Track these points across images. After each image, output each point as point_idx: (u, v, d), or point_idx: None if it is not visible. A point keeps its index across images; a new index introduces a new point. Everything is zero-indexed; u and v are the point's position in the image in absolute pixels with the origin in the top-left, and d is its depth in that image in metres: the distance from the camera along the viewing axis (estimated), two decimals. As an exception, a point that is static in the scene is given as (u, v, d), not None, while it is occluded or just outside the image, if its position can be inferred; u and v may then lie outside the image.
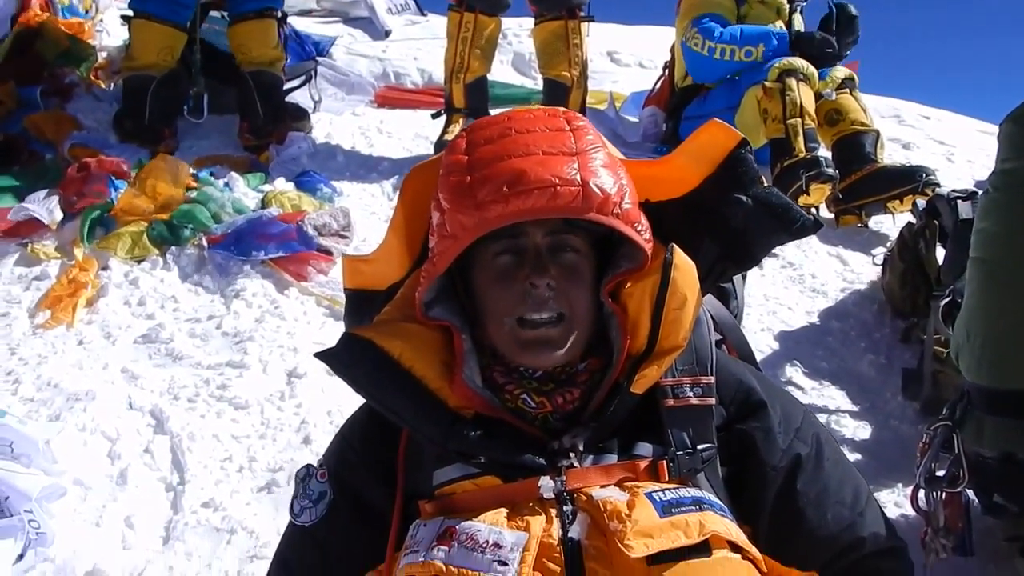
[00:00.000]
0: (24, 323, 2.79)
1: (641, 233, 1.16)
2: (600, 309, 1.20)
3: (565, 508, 1.06)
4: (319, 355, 1.21)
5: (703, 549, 1.03)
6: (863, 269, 3.43)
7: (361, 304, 1.36)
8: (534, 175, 1.09)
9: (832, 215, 3.84)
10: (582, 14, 4.20)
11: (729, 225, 1.26)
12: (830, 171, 3.48)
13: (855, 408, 2.66)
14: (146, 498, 2.15)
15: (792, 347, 2.89)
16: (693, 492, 1.09)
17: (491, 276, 1.17)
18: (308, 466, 1.28)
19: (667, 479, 1.11)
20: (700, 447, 1.15)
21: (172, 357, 2.68)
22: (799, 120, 3.59)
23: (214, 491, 2.17)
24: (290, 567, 1.27)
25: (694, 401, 1.17)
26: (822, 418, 2.38)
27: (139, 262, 3.10)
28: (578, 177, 1.10)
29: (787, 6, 4.01)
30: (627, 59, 5.92)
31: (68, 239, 3.18)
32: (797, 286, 3.34)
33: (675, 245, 1.17)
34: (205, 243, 3.15)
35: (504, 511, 1.06)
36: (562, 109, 1.23)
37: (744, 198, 1.25)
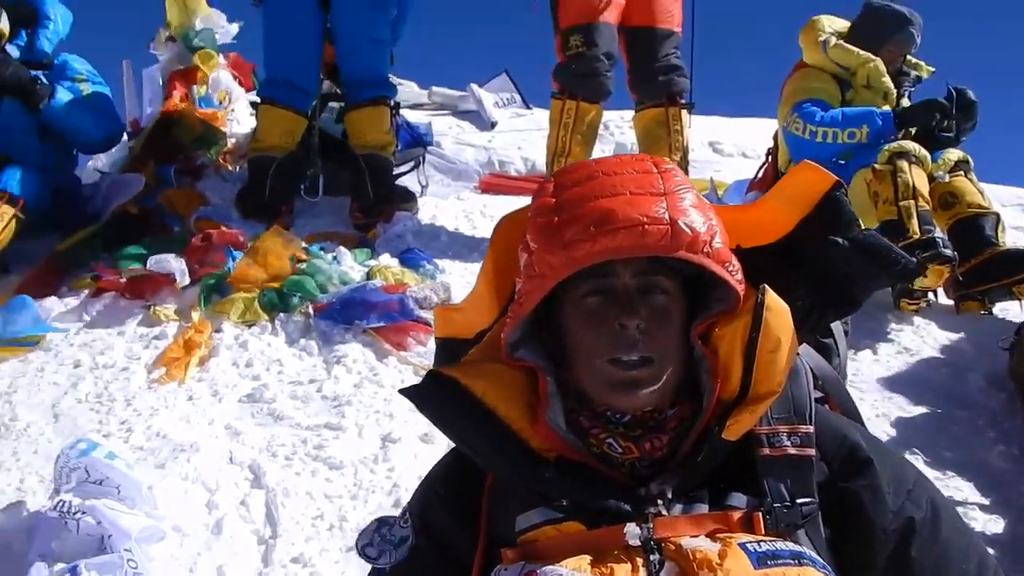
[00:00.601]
0: (141, 378, 2.93)
1: (733, 274, 1.12)
2: (690, 353, 1.16)
3: (652, 557, 1.00)
4: (403, 391, 1.20)
5: None
6: (987, 357, 3.22)
7: (450, 352, 1.34)
8: (622, 214, 1.08)
9: (952, 301, 3.64)
10: (683, 101, 4.26)
11: (825, 268, 1.20)
12: (948, 252, 3.31)
13: (985, 501, 2.47)
14: (239, 549, 2.18)
15: (911, 435, 2.72)
16: (792, 546, 1.01)
17: (580, 317, 1.14)
18: (384, 517, 1.25)
19: (763, 533, 1.03)
20: (800, 501, 1.07)
21: (273, 416, 2.75)
22: (912, 202, 3.45)
23: (304, 547, 2.19)
24: None
25: (792, 451, 1.10)
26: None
27: (249, 326, 3.23)
28: (666, 216, 1.08)
29: (895, 91, 3.92)
30: (729, 149, 5.92)
31: (187, 303, 3.37)
32: (916, 372, 3.15)
33: (767, 286, 1.12)
34: (311, 311, 3.27)
35: (588, 558, 1.01)
36: (649, 156, 1.22)
37: (841, 240, 1.18)
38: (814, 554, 1.03)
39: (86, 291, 3.50)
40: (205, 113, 4.96)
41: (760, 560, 0.97)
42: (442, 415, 1.17)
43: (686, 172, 4.14)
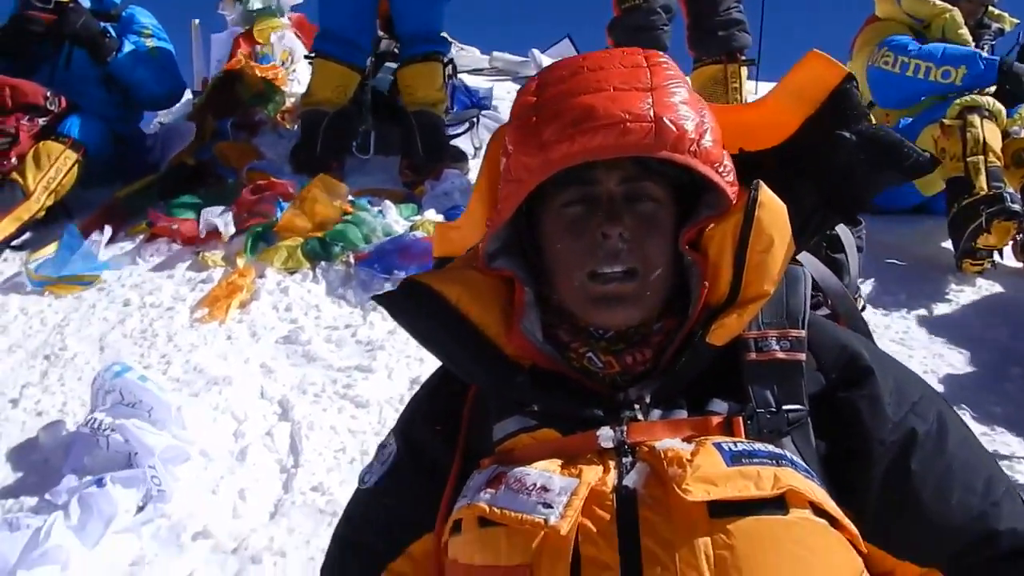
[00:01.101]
0: (184, 317, 3.01)
1: (723, 175, 1.03)
2: (680, 264, 1.07)
3: (624, 460, 0.95)
4: (375, 297, 1.16)
5: (778, 506, 0.89)
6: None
7: None
8: (603, 111, 0.99)
9: (1020, 263, 3.43)
10: (742, 58, 4.11)
11: (830, 164, 1.11)
12: (1016, 207, 3.11)
13: (1034, 457, 2.32)
14: (261, 476, 2.22)
15: (959, 391, 2.58)
16: (771, 448, 0.94)
17: (560, 227, 1.06)
18: (382, 441, 1.24)
19: (743, 438, 0.97)
20: (786, 407, 0.99)
21: (307, 358, 2.79)
22: (981, 157, 3.25)
23: (324, 477, 2.21)
24: (353, 523, 1.22)
25: (780, 355, 1.02)
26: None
27: (291, 273, 3.28)
28: (651, 112, 0.99)
29: (973, 44, 3.69)
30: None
31: (234, 250, 3.43)
32: (971, 331, 2.99)
33: (760, 182, 1.04)
34: (352, 260, 3.30)
35: (559, 461, 0.97)
36: (641, 49, 1.11)
37: (849, 135, 1.10)
38: (798, 459, 0.96)
39: (141, 236, 3.61)
40: (265, 69, 5.03)
41: (734, 458, 0.91)
42: (414, 321, 1.12)
43: None
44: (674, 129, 0.99)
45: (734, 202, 1.05)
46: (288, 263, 3.30)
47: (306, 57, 4.45)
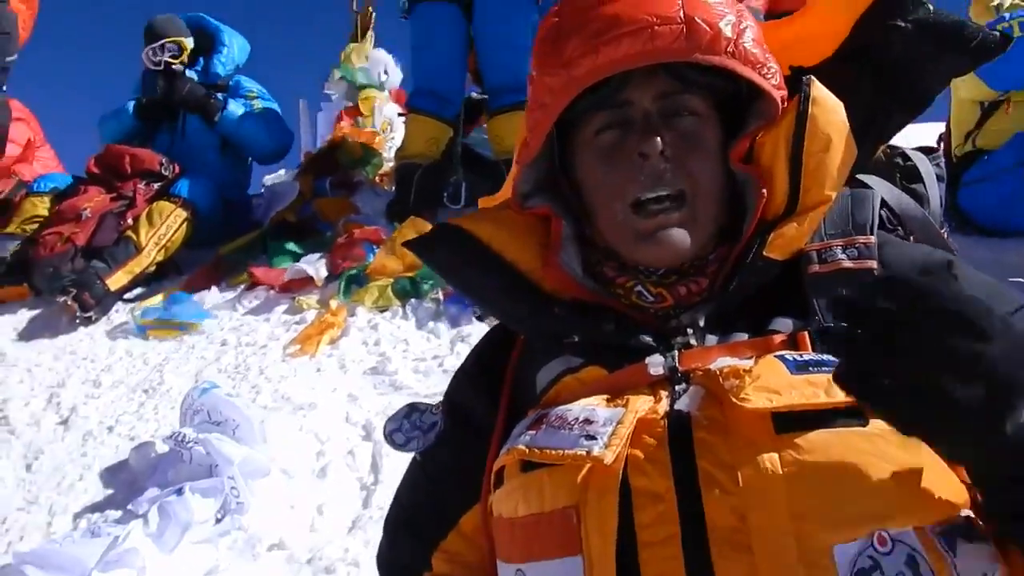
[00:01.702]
0: (277, 353, 3.04)
1: (768, 78, 0.93)
2: (732, 184, 0.97)
3: (678, 388, 0.84)
4: (406, 243, 1.08)
5: (855, 417, 0.75)
6: None
7: None
8: (627, 17, 0.90)
9: None
10: None
11: (887, 57, 1.01)
12: None
13: None
14: (340, 492, 2.16)
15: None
16: None
17: (594, 156, 0.96)
18: (415, 403, 1.13)
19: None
20: None
21: (394, 387, 2.75)
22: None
23: (404, 495, 2.12)
24: (401, 503, 1.13)
25: (847, 264, 0.90)
26: None
27: (382, 311, 3.29)
28: (681, 13, 0.90)
29: None
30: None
31: (328, 294, 3.49)
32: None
33: (812, 77, 0.93)
34: (442, 296, 3.28)
35: (605, 396, 0.86)
36: None
37: (904, 23, 1.00)
38: None
39: (242, 286, 3.73)
40: (365, 134, 5.24)
41: (800, 367, 0.78)
42: (445, 261, 1.04)
43: None
44: (708, 29, 0.89)
45: (783, 107, 0.94)
46: (379, 302, 3.31)
47: (400, 114, 4.60)
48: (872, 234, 0.92)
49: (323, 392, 2.70)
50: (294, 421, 2.45)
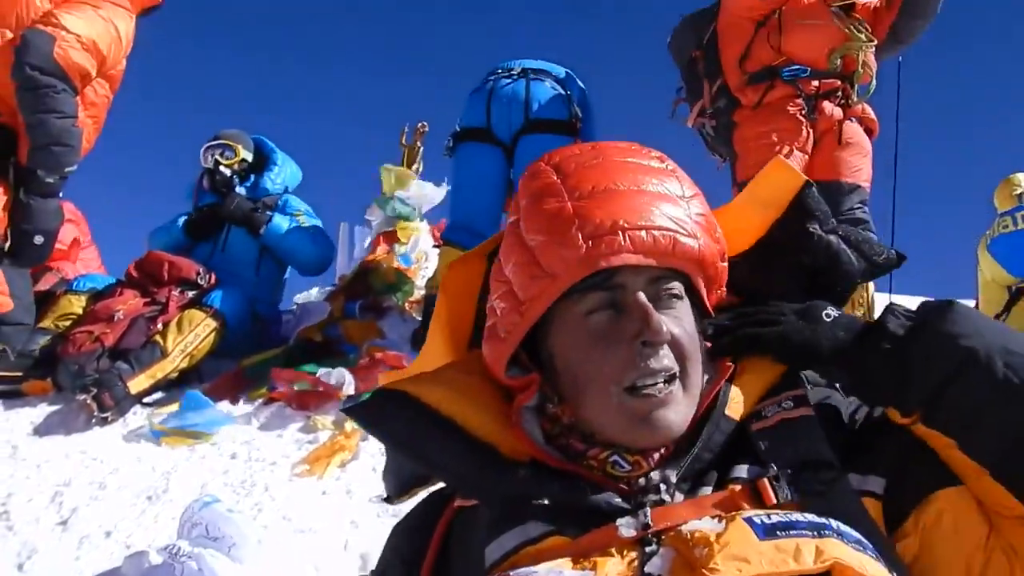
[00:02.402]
0: (285, 471, 3.01)
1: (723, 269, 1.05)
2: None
3: (648, 549, 0.82)
4: (344, 409, 1.06)
5: None
6: None
7: None
8: (651, 214, 0.93)
9: None
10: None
11: (804, 263, 1.10)
12: None
13: None
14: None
15: None
16: (812, 518, 0.81)
17: (584, 338, 0.94)
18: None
19: (774, 504, 0.85)
20: (808, 459, 0.89)
21: (397, 517, 2.66)
22: None
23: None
24: None
25: (787, 415, 0.95)
26: None
27: (396, 438, 3.26)
28: (692, 227, 0.95)
29: None
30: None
31: (344, 416, 3.47)
32: None
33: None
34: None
35: (570, 559, 0.83)
36: (653, 150, 1.05)
37: (817, 233, 1.10)
38: (846, 528, 0.81)
39: (260, 400, 3.74)
40: (401, 266, 5.37)
41: (768, 531, 0.78)
42: (391, 429, 0.99)
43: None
44: (712, 245, 0.99)
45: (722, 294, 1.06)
46: (393, 428, 3.30)
47: (434, 246, 4.72)
48: (801, 387, 0.99)
49: (326, 516, 2.66)
50: (293, 544, 2.39)
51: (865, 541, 0.80)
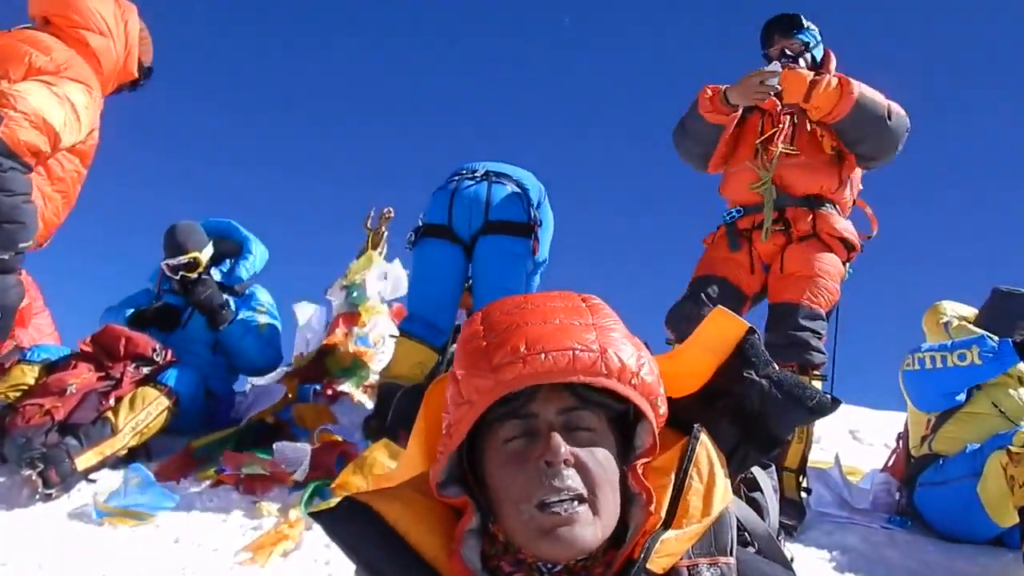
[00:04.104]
0: (227, 558, 3.03)
1: (659, 407, 1.12)
2: (625, 496, 1.12)
3: None
4: (312, 514, 1.20)
5: None
6: None
7: None
8: (552, 339, 1.06)
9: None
10: (815, 373, 4.09)
11: (744, 406, 1.21)
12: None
13: None
14: None
15: None
16: None
17: (503, 461, 1.09)
18: None
19: None
20: None
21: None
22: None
23: None
24: None
25: None
26: None
27: (339, 529, 3.30)
28: (596, 345, 1.07)
29: None
30: (870, 439, 5.65)
31: (290, 503, 3.51)
32: None
33: (701, 425, 1.14)
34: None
35: None
36: (575, 293, 1.21)
37: (757, 378, 1.21)
38: None
39: (207, 482, 3.76)
40: (358, 349, 5.46)
41: None
42: (349, 539, 1.14)
43: (808, 440, 3.90)
44: (617, 362, 1.07)
45: (656, 435, 1.13)
46: (337, 519, 3.34)
47: (391, 336, 4.83)
48: (732, 555, 1.09)
49: (264, 609, 2.68)
50: (229, 638, 2.42)
51: None
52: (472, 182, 4.46)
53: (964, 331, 3.83)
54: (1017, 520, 3.29)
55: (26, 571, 2.89)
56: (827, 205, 4.02)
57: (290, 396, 4.58)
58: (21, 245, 3.64)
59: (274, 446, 3.72)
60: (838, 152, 4.02)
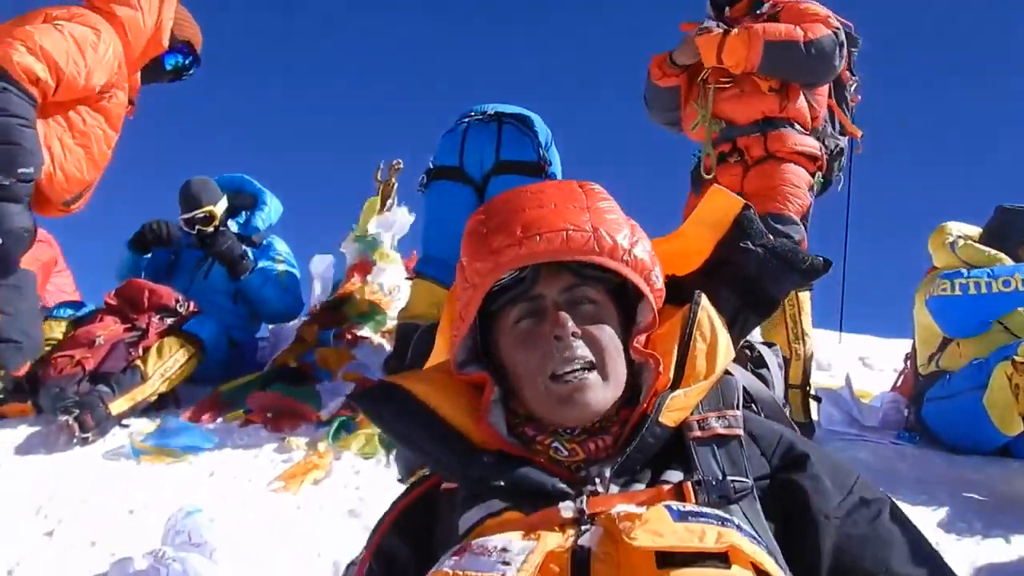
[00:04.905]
0: (261, 487, 3.18)
1: (654, 283, 1.20)
2: (631, 365, 1.21)
3: (583, 528, 1.03)
4: (350, 395, 1.34)
5: (721, 561, 0.95)
6: None
7: None
8: (546, 222, 1.16)
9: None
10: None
11: (743, 274, 1.31)
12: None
13: None
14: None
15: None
16: (720, 512, 1.02)
17: (515, 342, 1.20)
18: (353, 559, 1.33)
19: (694, 503, 1.06)
20: (730, 477, 1.09)
21: (367, 530, 2.84)
22: (1057, 392, 3.22)
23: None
24: None
25: (720, 430, 1.15)
26: None
27: (367, 458, 3.44)
28: (589, 225, 1.16)
29: None
30: (880, 365, 5.74)
31: (318, 438, 3.65)
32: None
33: (702, 292, 1.22)
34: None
35: (521, 532, 1.04)
36: (576, 180, 1.29)
37: (753, 247, 1.31)
38: (747, 527, 1.03)
39: (236, 422, 3.90)
40: (374, 297, 5.55)
41: (681, 516, 0.99)
42: (385, 415, 1.24)
43: (806, 358, 3.97)
44: (609, 240, 1.16)
45: (656, 309, 1.21)
46: (365, 449, 3.47)
47: (407, 278, 4.93)
48: (738, 409, 1.18)
49: (300, 528, 2.82)
50: (270, 551, 2.56)
51: (761, 539, 1.02)
52: (482, 123, 4.51)
53: (970, 250, 3.88)
54: (1022, 428, 3.40)
55: (71, 504, 3.03)
56: (781, 125, 4.05)
57: (309, 342, 4.69)
58: (21, 170, 3.51)
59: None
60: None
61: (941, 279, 3.81)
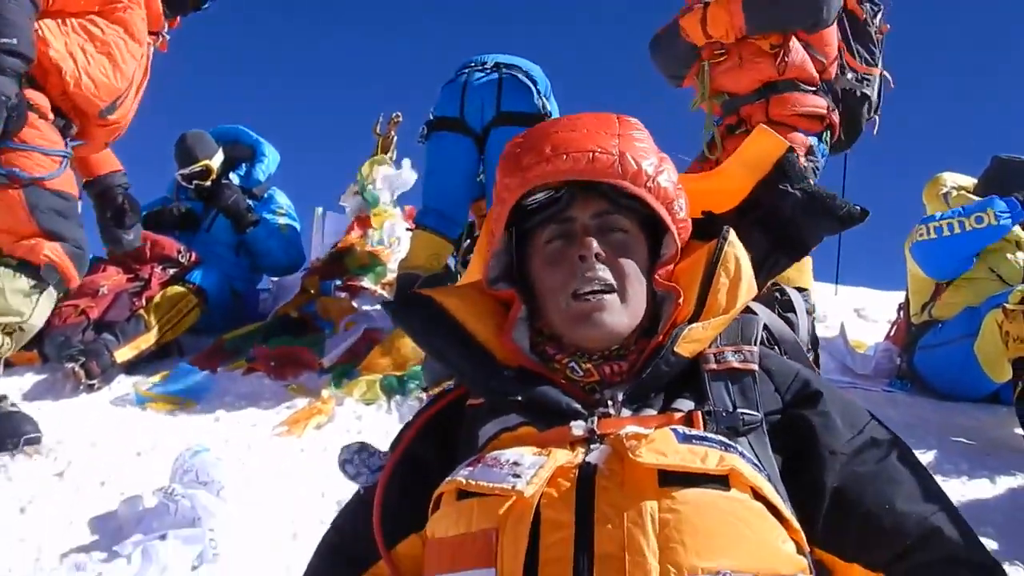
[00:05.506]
0: (266, 431, 3.25)
1: (676, 212, 1.23)
2: (654, 296, 1.24)
3: (592, 446, 1.06)
4: (384, 304, 1.37)
5: (722, 483, 0.98)
6: None
7: None
8: (575, 143, 1.19)
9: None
10: None
11: (778, 216, 1.32)
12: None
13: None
14: (309, 553, 2.29)
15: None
16: (724, 439, 1.05)
17: (544, 260, 1.24)
18: (367, 444, 1.33)
19: (702, 430, 1.08)
20: (741, 410, 1.12)
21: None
22: (1045, 337, 3.27)
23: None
24: (339, 529, 1.33)
25: (736, 364, 1.17)
26: None
27: (368, 404, 3.51)
28: (616, 149, 1.19)
29: None
30: (875, 316, 5.79)
31: (321, 384, 3.72)
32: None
33: (730, 228, 1.23)
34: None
35: (533, 448, 1.08)
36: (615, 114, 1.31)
37: (792, 189, 1.32)
38: (751, 456, 1.06)
39: (239, 371, 3.96)
40: (375, 249, 5.59)
41: (686, 439, 1.02)
42: (416, 326, 1.28)
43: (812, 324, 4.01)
44: (634, 164, 1.19)
45: (678, 241, 1.24)
46: (367, 395, 3.54)
47: (408, 229, 4.96)
48: (755, 343, 1.20)
49: (304, 468, 2.89)
50: (275, 489, 2.63)
51: (761, 467, 1.05)
52: (483, 74, 4.49)
53: (963, 200, 3.91)
54: (1011, 375, 3.46)
55: (81, 448, 3.10)
56: (785, 88, 3.98)
57: (311, 292, 4.74)
58: (3, 40, 3.10)
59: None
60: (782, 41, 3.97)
61: (918, 225, 3.88)
